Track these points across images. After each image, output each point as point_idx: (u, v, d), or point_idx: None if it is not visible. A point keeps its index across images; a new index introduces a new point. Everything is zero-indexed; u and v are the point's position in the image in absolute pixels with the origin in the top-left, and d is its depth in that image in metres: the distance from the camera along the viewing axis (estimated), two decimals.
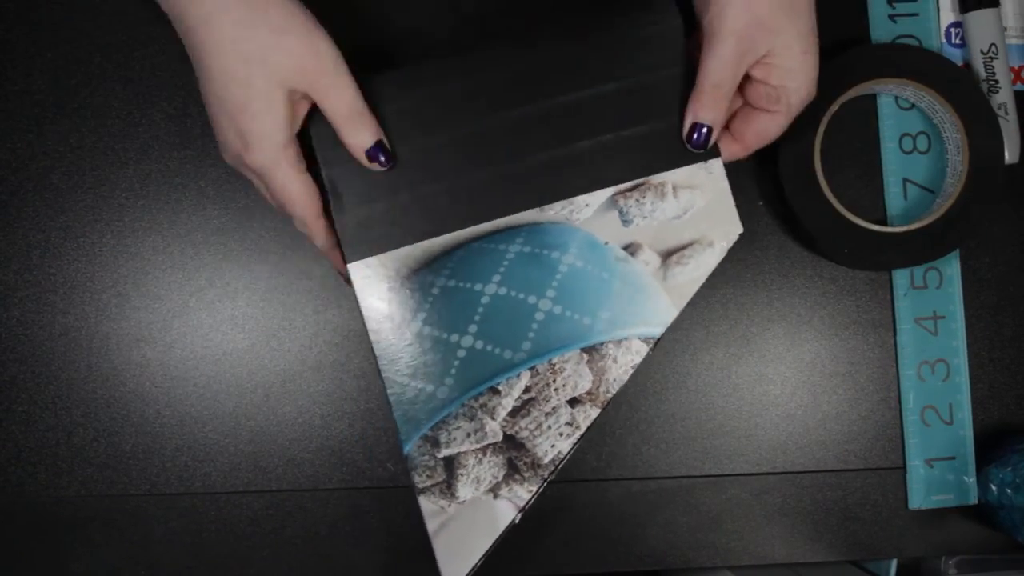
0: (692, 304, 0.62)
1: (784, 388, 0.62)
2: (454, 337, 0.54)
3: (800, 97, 0.53)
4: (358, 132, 0.52)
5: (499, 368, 0.54)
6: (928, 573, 0.65)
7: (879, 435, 0.62)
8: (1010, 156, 0.63)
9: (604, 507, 0.61)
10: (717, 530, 0.62)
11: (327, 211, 0.53)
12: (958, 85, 0.61)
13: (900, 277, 0.63)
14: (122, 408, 0.60)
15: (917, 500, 0.62)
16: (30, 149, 0.61)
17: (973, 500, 0.62)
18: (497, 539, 0.53)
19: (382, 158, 0.53)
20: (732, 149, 0.55)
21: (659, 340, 0.54)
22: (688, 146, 0.54)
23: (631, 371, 0.54)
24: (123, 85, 0.61)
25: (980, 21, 0.64)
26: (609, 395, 0.54)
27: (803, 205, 0.61)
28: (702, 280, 0.55)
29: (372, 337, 0.54)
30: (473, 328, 0.54)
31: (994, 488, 0.60)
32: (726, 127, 0.55)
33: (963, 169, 0.61)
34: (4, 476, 0.60)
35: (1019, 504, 0.59)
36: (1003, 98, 0.63)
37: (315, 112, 0.52)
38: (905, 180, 0.64)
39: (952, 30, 0.65)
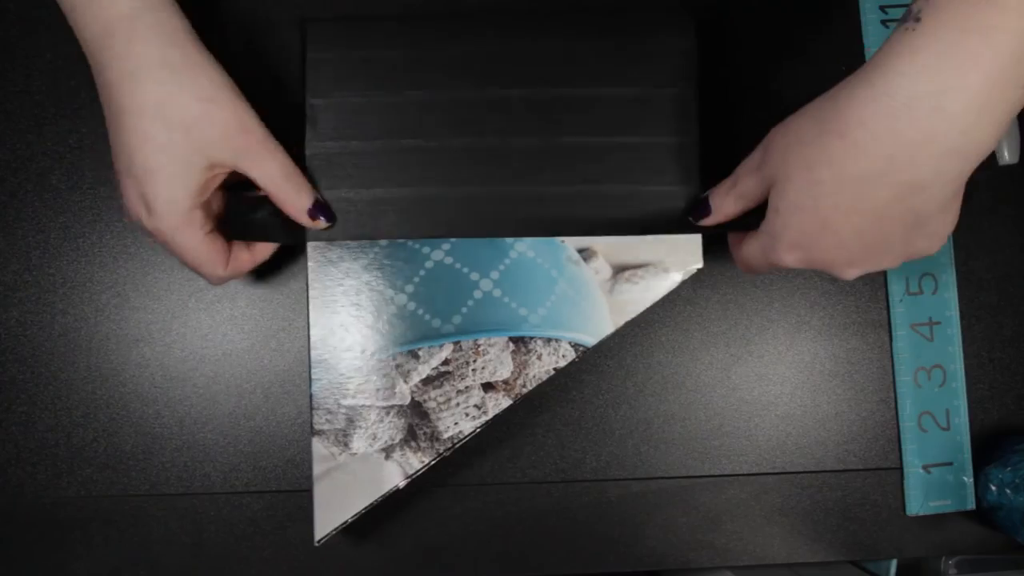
0: (692, 304, 0.62)
1: (783, 388, 0.62)
2: (389, 292, 0.54)
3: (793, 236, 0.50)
4: (298, 196, 0.53)
5: (424, 333, 0.54)
6: (928, 573, 0.65)
7: (878, 435, 0.63)
8: (1010, 157, 0.63)
9: (604, 507, 0.61)
10: (717, 530, 0.62)
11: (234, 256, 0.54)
12: None
13: (895, 283, 0.63)
14: (122, 408, 0.60)
15: (915, 506, 0.62)
16: (29, 149, 0.61)
17: (971, 506, 0.62)
18: (377, 500, 0.54)
19: (322, 217, 0.53)
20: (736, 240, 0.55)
21: (587, 350, 0.55)
22: (689, 216, 0.54)
23: (552, 372, 0.54)
24: None
25: None
26: (525, 390, 0.54)
27: None
28: (648, 303, 0.55)
29: (310, 276, 0.54)
30: (410, 288, 0.55)
31: (993, 488, 0.60)
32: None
33: None
34: (4, 476, 0.60)
35: (1019, 504, 0.59)
36: None
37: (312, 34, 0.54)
38: None
39: None
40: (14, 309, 0.60)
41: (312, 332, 0.54)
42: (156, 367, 0.60)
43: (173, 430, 0.60)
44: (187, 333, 0.61)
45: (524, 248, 0.55)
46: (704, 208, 0.53)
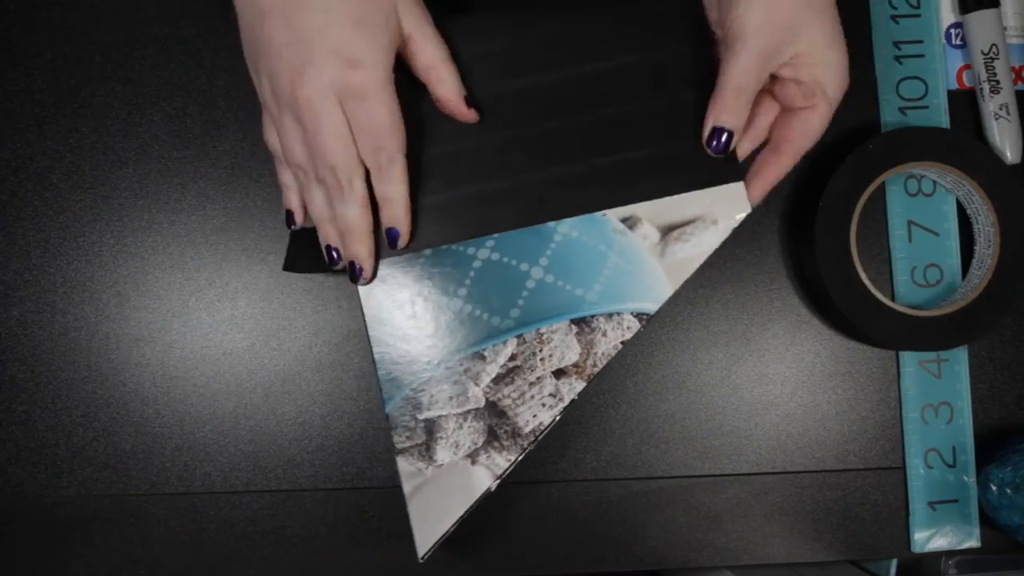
0: (692, 304, 0.62)
1: (784, 388, 0.62)
2: (443, 299, 0.54)
3: (836, 87, 0.52)
4: (457, 80, 0.52)
5: (486, 333, 0.54)
6: (928, 573, 0.65)
7: (879, 435, 0.62)
8: (1012, 156, 0.63)
9: (604, 507, 0.61)
10: (717, 530, 0.62)
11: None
12: (999, 177, 0.61)
13: (907, 365, 0.63)
14: (122, 408, 0.60)
15: (919, 544, 0.62)
16: (30, 149, 0.61)
17: (976, 543, 0.62)
18: (472, 506, 0.53)
19: (474, 108, 0.53)
20: (782, 161, 0.54)
21: (652, 317, 0.54)
22: (708, 150, 0.53)
23: (620, 346, 0.54)
24: (123, 85, 0.61)
25: (980, 22, 0.64)
26: (596, 369, 0.54)
27: (838, 287, 0.60)
28: (702, 259, 0.54)
29: (362, 297, 0.54)
30: (463, 291, 0.54)
31: (994, 488, 0.60)
32: (768, 144, 0.54)
33: (992, 262, 0.61)
34: (4, 476, 0.60)
35: (1019, 504, 0.59)
36: (1004, 98, 0.63)
37: None
38: (910, 222, 0.64)
39: (952, 31, 0.65)
40: (14, 308, 0.60)
41: (374, 351, 0.53)
42: (156, 366, 0.60)
43: (173, 429, 0.60)
44: (187, 333, 0.61)
45: (567, 230, 0.54)
46: (721, 136, 0.53)
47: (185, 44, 0.61)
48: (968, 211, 0.63)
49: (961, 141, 0.61)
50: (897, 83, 0.64)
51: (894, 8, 0.65)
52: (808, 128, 0.53)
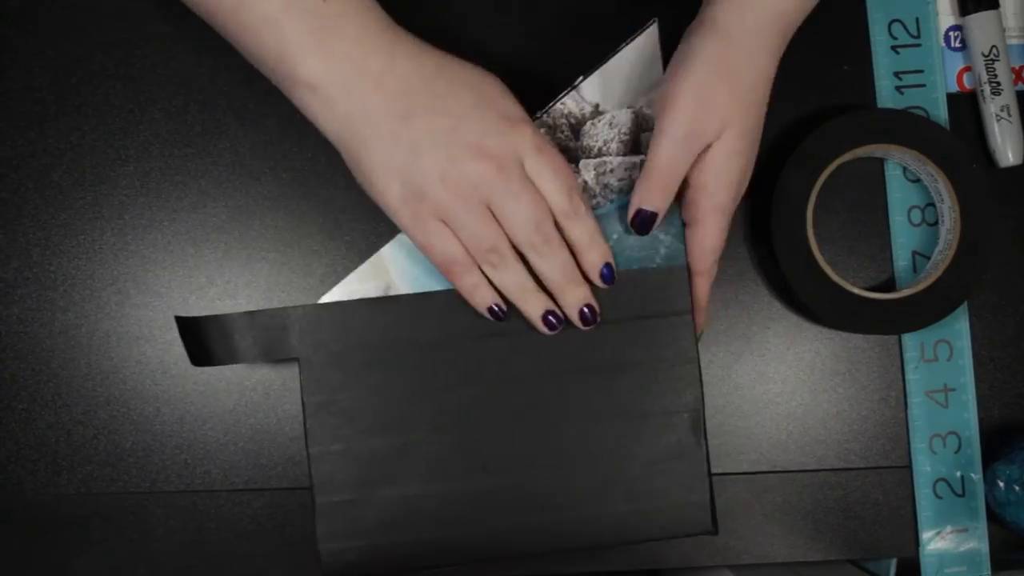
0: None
1: (784, 387, 0.62)
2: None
3: (717, 201, 0.52)
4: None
5: None
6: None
7: (880, 434, 0.63)
8: (1013, 158, 0.63)
9: None
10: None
11: None
12: (956, 158, 0.61)
13: (911, 351, 0.63)
14: (122, 406, 0.60)
15: (926, 542, 0.62)
16: (31, 147, 0.61)
17: (982, 541, 0.62)
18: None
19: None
20: (696, 283, 0.55)
21: None
22: (632, 228, 0.54)
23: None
24: (124, 83, 0.61)
25: (980, 24, 0.64)
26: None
27: (794, 265, 0.61)
28: None
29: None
30: None
31: (1001, 484, 0.60)
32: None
33: (954, 241, 0.61)
34: (4, 474, 0.60)
35: None
36: (1005, 100, 0.63)
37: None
38: (914, 252, 0.64)
39: (951, 34, 0.66)
40: (15, 306, 0.60)
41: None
42: (156, 365, 0.60)
43: (173, 428, 0.60)
44: None
45: None
46: (644, 215, 0.53)
47: (186, 42, 0.61)
48: (930, 190, 0.63)
49: (920, 124, 0.62)
50: None
51: (894, 38, 0.65)
52: (698, 247, 0.54)
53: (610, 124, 0.55)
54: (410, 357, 0.55)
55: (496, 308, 0.53)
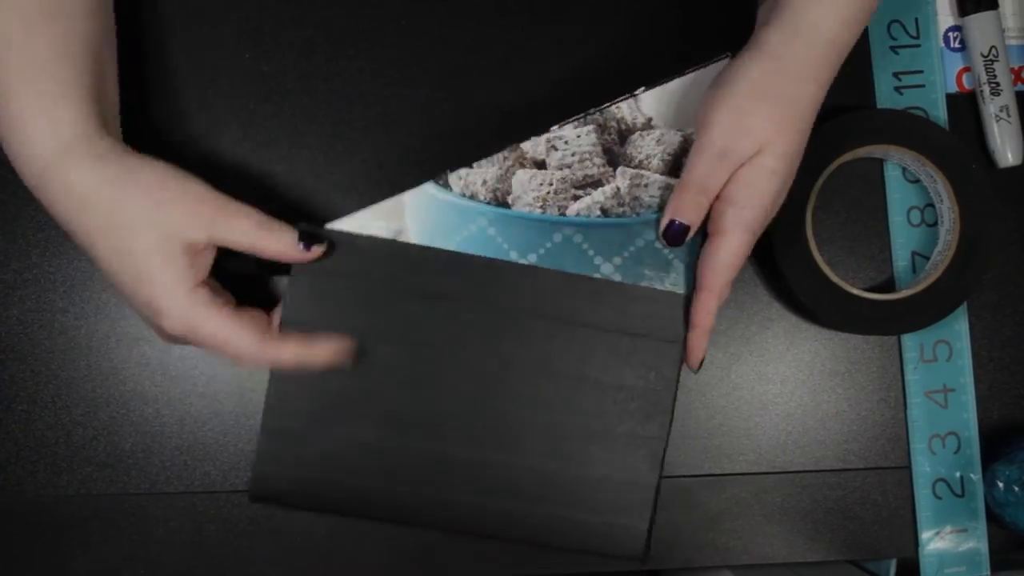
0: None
1: (784, 387, 0.62)
2: None
3: (743, 216, 0.51)
4: (278, 236, 0.51)
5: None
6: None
7: (879, 434, 0.63)
8: (1012, 158, 0.63)
9: None
10: (717, 530, 0.62)
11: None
12: (956, 159, 0.61)
13: (910, 351, 0.63)
14: (121, 407, 0.60)
15: (925, 542, 0.62)
16: None
17: (982, 541, 0.62)
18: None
19: (314, 246, 0.52)
20: (701, 298, 0.53)
21: None
22: (662, 240, 0.54)
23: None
24: (121, 86, 0.61)
25: (979, 24, 0.64)
26: None
27: (792, 265, 0.61)
28: None
29: None
30: None
31: (1000, 485, 0.60)
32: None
33: (953, 241, 0.61)
34: (3, 475, 0.60)
35: None
36: (1004, 100, 0.63)
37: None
38: (914, 253, 0.64)
39: (951, 34, 0.66)
40: (14, 307, 0.60)
41: None
42: (156, 365, 0.60)
43: (173, 428, 0.60)
44: None
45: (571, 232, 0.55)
46: (674, 226, 0.53)
47: (186, 42, 0.61)
48: (930, 191, 0.63)
49: (919, 124, 0.62)
50: None
51: (893, 38, 0.65)
52: (713, 259, 0.52)
53: (658, 141, 0.55)
54: (399, 306, 0.55)
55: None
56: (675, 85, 0.56)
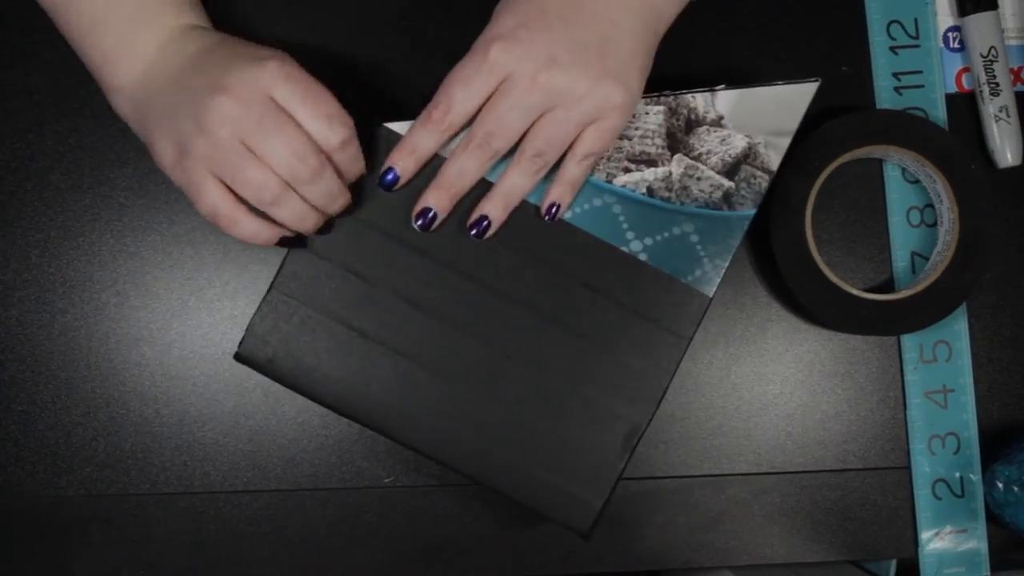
0: None
1: (783, 388, 0.62)
2: None
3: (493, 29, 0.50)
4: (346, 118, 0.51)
5: None
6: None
7: (879, 435, 0.63)
8: (1012, 158, 0.63)
9: (605, 507, 0.61)
10: (716, 530, 0.62)
11: None
12: (955, 159, 0.61)
13: (910, 352, 0.63)
14: (121, 407, 0.60)
15: (925, 542, 0.62)
16: (29, 149, 0.61)
17: (981, 541, 0.62)
18: None
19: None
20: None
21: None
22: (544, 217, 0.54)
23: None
24: None
25: (979, 24, 0.64)
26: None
27: (792, 266, 0.61)
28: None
29: None
30: None
31: (1000, 485, 0.60)
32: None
33: (952, 242, 0.61)
34: (4, 475, 0.60)
35: None
36: (1004, 100, 0.63)
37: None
38: (913, 253, 0.64)
39: (950, 34, 0.66)
40: (14, 308, 0.60)
41: None
42: (156, 366, 0.60)
43: (173, 429, 0.60)
44: (187, 332, 0.61)
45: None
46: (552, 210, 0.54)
47: None
48: (929, 191, 0.63)
49: (918, 125, 0.62)
50: None
51: (893, 39, 0.65)
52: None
53: (723, 140, 0.55)
54: (423, 249, 0.55)
55: (287, 240, 0.53)
56: (758, 92, 0.56)
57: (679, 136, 0.55)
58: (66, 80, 0.61)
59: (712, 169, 0.55)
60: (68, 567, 0.59)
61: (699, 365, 0.62)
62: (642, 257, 0.55)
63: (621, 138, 0.55)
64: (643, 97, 0.54)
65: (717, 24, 0.63)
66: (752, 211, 0.55)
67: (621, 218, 0.55)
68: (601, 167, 0.55)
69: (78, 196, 0.61)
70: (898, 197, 0.64)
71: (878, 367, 0.63)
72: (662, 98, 0.55)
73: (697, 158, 0.55)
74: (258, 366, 0.54)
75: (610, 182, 0.55)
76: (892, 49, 0.64)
